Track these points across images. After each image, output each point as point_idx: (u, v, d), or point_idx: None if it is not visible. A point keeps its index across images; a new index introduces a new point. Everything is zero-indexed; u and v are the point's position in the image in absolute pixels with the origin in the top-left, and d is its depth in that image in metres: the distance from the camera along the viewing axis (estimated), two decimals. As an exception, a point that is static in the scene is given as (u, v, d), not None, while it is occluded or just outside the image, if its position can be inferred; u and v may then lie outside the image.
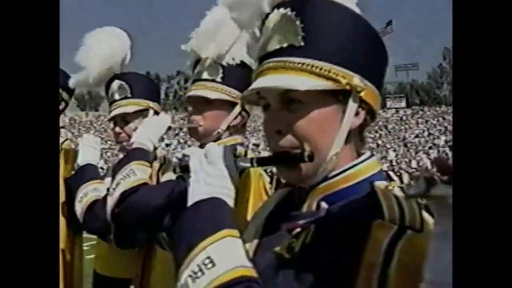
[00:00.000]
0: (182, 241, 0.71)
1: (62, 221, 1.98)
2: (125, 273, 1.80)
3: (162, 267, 1.58)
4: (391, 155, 27.60)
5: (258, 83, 0.75)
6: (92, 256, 1.99)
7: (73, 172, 2.01)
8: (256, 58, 0.81)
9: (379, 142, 32.46)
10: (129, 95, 1.82)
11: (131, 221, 1.35)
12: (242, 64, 1.47)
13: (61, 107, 2.18)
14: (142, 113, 1.83)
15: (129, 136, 1.81)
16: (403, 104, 45.90)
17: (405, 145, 31.35)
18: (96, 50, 1.86)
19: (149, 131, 1.52)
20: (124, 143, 1.81)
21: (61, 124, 2.22)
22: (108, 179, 1.85)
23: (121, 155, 1.69)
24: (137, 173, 1.37)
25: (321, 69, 0.72)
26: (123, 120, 1.82)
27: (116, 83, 1.84)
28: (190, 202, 0.76)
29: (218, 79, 1.45)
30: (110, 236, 1.67)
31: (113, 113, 1.82)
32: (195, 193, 0.76)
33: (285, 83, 0.71)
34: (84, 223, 1.71)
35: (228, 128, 1.47)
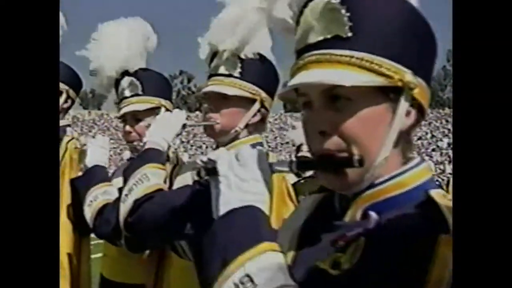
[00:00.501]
0: (215, 255, 0.63)
1: (68, 224, 1.91)
2: (136, 278, 1.72)
3: (181, 275, 1.50)
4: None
5: (300, 78, 0.67)
6: (97, 255, 1.91)
7: (80, 173, 1.92)
8: (294, 51, 0.73)
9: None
10: (140, 92, 1.74)
11: (145, 231, 1.27)
12: (261, 58, 1.39)
13: (67, 105, 2.11)
14: (153, 111, 1.75)
15: (140, 135, 1.74)
16: (406, 105, 45.61)
17: None
18: (110, 51, 1.77)
19: (163, 129, 1.43)
20: (135, 143, 1.74)
21: (66, 123, 2.14)
22: (116, 180, 1.77)
23: (127, 154, 1.61)
24: (151, 178, 1.29)
25: (371, 63, 0.64)
26: (134, 118, 1.74)
27: (126, 80, 1.76)
28: (222, 210, 0.68)
29: (236, 74, 1.36)
30: (121, 241, 1.59)
31: (123, 111, 1.74)
32: (227, 200, 0.68)
33: (332, 78, 0.64)
34: (94, 228, 1.64)
35: (247, 126, 1.39)
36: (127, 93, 1.75)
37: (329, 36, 0.66)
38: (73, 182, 1.86)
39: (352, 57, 0.65)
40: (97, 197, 1.66)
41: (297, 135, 5.86)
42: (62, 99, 2.05)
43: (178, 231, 1.21)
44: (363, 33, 0.65)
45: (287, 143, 32.25)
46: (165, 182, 1.36)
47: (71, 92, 2.10)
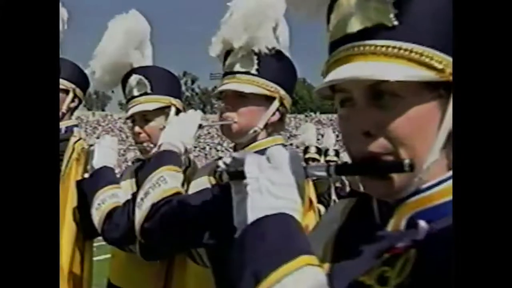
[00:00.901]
0: (245, 269, 0.56)
1: (73, 227, 1.85)
2: (145, 284, 1.65)
3: (196, 282, 1.43)
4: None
5: (341, 72, 0.60)
6: (99, 258, 1.83)
7: (86, 175, 1.86)
8: (329, 42, 0.66)
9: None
10: (149, 91, 1.67)
11: (163, 237, 1.20)
12: (278, 54, 1.32)
13: (74, 104, 2.05)
14: (163, 111, 1.68)
15: (150, 136, 1.67)
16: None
17: None
18: (105, 44, 1.72)
19: (178, 131, 1.35)
20: (145, 144, 1.67)
21: (73, 123, 2.08)
22: (124, 183, 1.71)
23: (130, 155, 1.53)
24: (168, 181, 1.22)
25: (421, 55, 0.58)
26: (143, 118, 1.67)
27: (134, 78, 1.69)
28: (251, 217, 0.60)
29: (253, 71, 1.29)
30: (133, 247, 1.52)
31: (131, 111, 1.67)
32: (257, 206, 0.61)
33: (380, 72, 0.56)
34: (103, 233, 1.56)
35: (266, 125, 1.31)
36: (135, 92, 1.68)
37: (370, 25, 0.59)
38: (79, 184, 1.80)
39: (400, 48, 0.58)
40: (105, 200, 1.58)
41: (308, 137, 5.83)
42: (69, 98, 2.00)
43: (197, 238, 1.14)
44: (411, 22, 0.58)
45: (291, 144, 32.00)
46: (182, 185, 1.29)
47: (78, 91, 2.05)
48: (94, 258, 1.95)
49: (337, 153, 5.68)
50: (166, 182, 1.21)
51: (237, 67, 1.30)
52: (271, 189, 0.62)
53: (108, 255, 1.82)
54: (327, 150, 5.85)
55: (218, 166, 0.74)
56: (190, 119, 1.38)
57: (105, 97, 66.07)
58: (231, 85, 1.29)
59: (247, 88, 1.28)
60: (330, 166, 0.63)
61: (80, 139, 1.95)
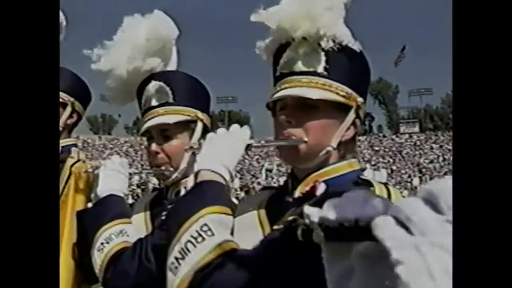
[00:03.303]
0: None
1: (71, 267, 1.49)
2: None
3: None
4: (415, 181, 27.18)
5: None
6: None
7: (90, 205, 1.50)
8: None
9: (394, 167, 32.17)
10: (171, 101, 1.34)
11: None
12: (350, 49, 0.99)
13: (71, 120, 1.75)
14: (187, 126, 1.35)
15: (169, 157, 1.33)
16: (417, 129, 45.67)
17: (420, 171, 31.24)
18: (122, 47, 1.40)
19: (221, 153, 0.98)
20: (163, 167, 1.33)
21: (71, 142, 1.76)
22: (135, 217, 1.36)
23: (136, 179, 1.18)
24: (215, 231, 0.85)
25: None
26: (162, 134, 1.34)
27: (153, 85, 1.36)
28: None
29: (321, 70, 0.96)
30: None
31: (148, 124, 1.34)
32: None
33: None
34: (105, 281, 1.21)
35: (340, 144, 0.98)
36: (153, 102, 1.35)
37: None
38: (80, 215, 1.44)
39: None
40: (111, 239, 1.24)
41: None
42: (66, 112, 1.71)
43: None
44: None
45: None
46: (232, 232, 0.92)
47: (77, 105, 1.75)
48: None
49: None
50: (212, 233, 0.84)
51: (299, 66, 0.97)
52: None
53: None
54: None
55: (294, 220, 0.57)
56: (235, 137, 1.01)
57: (111, 121, 66.27)
58: (293, 90, 0.96)
59: (314, 93, 0.94)
60: None
61: (78, 160, 1.61)
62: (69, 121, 1.73)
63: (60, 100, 1.69)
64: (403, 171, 31.31)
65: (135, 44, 1.37)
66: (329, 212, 0.47)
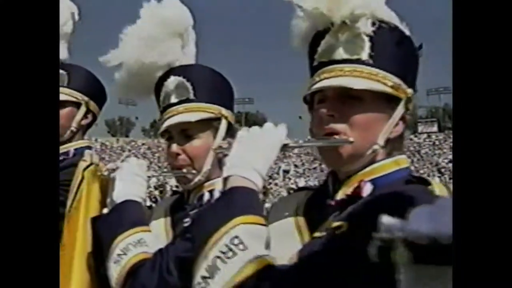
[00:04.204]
0: None
1: (85, 278, 1.38)
2: None
3: None
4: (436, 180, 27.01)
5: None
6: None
7: (105, 211, 1.39)
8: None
9: (412, 167, 32.00)
10: (192, 97, 1.23)
11: None
12: (397, 32, 0.87)
13: (86, 121, 1.67)
14: (210, 125, 1.23)
15: (191, 159, 1.22)
16: (435, 128, 45.13)
17: (439, 171, 30.92)
18: (137, 41, 1.30)
19: (253, 153, 0.86)
20: (184, 170, 1.21)
21: (85, 144, 1.67)
22: (155, 224, 1.25)
23: (153, 181, 1.06)
24: (249, 245, 0.74)
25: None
26: (183, 134, 1.23)
27: (172, 81, 1.25)
28: None
29: (365, 57, 0.84)
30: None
31: (167, 123, 1.23)
32: None
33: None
34: (122, 296, 1.10)
35: (387, 141, 0.86)
36: (173, 99, 1.24)
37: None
38: (94, 223, 1.34)
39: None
40: (128, 249, 1.14)
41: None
42: (80, 113, 1.64)
43: None
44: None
45: (315, 168, 31.45)
46: (267, 245, 0.78)
47: (92, 105, 1.67)
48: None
49: None
50: (244, 247, 0.73)
51: (340, 53, 0.86)
52: None
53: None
54: None
55: (339, 227, 0.59)
56: (270, 137, 0.89)
57: (129, 123, 67.23)
58: (335, 80, 0.84)
59: (359, 83, 0.83)
60: None
61: (91, 164, 1.50)
62: (83, 122, 1.66)
63: (74, 99, 1.64)
64: (421, 171, 30.98)
65: (150, 32, 1.28)
66: (419, 224, 0.35)
